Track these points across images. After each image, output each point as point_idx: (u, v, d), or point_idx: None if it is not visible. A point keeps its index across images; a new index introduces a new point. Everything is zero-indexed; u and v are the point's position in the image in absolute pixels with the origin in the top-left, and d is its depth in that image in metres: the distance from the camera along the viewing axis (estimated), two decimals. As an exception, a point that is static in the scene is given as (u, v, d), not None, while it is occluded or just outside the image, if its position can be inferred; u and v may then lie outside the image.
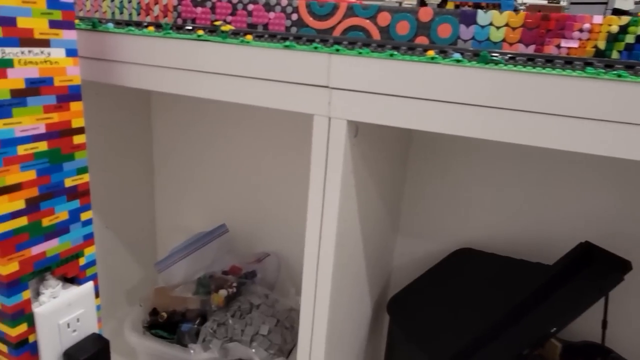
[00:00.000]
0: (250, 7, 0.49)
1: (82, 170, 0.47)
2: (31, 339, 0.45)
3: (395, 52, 0.38)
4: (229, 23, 0.50)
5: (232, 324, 0.71)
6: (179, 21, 0.53)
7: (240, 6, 0.50)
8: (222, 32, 0.46)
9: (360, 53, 0.39)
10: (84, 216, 0.48)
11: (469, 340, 0.56)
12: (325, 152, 0.43)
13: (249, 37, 0.45)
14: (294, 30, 0.48)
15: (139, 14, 0.56)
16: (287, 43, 0.42)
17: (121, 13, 0.57)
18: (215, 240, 0.83)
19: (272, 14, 0.48)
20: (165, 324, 0.76)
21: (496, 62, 0.36)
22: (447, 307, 0.63)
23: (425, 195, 0.74)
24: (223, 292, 0.75)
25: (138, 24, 0.51)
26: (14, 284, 0.43)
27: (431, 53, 0.38)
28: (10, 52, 0.39)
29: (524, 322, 0.54)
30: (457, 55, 0.37)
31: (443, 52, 0.39)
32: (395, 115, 0.39)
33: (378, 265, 0.70)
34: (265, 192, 0.86)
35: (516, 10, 0.44)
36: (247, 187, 0.88)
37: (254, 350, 0.68)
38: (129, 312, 0.80)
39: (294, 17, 0.47)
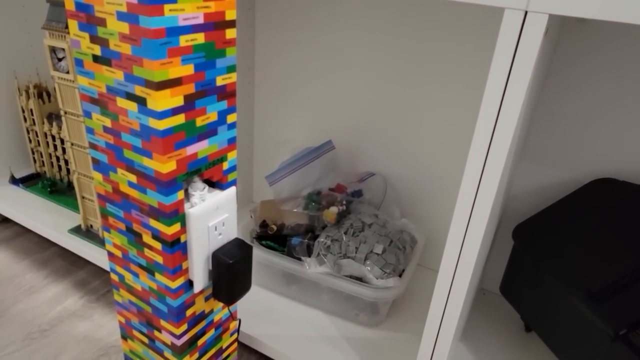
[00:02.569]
0: None
1: (232, 69, 0.44)
2: (182, 238, 0.45)
3: None
4: None
5: (346, 240, 0.70)
6: None
7: None
8: None
9: None
10: (230, 119, 0.46)
11: (619, 274, 0.52)
12: (512, 55, 0.38)
13: None
14: None
15: None
16: None
17: None
18: (322, 156, 0.81)
19: None
20: (274, 236, 0.76)
21: None
22: (585, 240, 0.58)
23: (558, 117, 0.67)
24: (334, 209, 0.74)
25: None
26: (172, 183, 0.42)
27: None
28: None
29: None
30: None
31: None
32: (624, 9, 0.33)
33: (503, 190, 0.66)
34: (371, 110, 0.82)
35: None
36: (351, 104, 0.83)
37: (368, 268, 0.68)
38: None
39: None
